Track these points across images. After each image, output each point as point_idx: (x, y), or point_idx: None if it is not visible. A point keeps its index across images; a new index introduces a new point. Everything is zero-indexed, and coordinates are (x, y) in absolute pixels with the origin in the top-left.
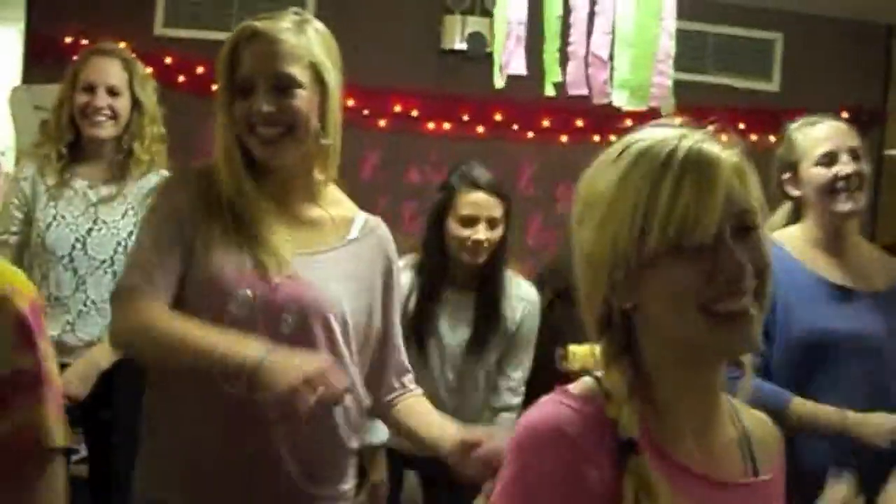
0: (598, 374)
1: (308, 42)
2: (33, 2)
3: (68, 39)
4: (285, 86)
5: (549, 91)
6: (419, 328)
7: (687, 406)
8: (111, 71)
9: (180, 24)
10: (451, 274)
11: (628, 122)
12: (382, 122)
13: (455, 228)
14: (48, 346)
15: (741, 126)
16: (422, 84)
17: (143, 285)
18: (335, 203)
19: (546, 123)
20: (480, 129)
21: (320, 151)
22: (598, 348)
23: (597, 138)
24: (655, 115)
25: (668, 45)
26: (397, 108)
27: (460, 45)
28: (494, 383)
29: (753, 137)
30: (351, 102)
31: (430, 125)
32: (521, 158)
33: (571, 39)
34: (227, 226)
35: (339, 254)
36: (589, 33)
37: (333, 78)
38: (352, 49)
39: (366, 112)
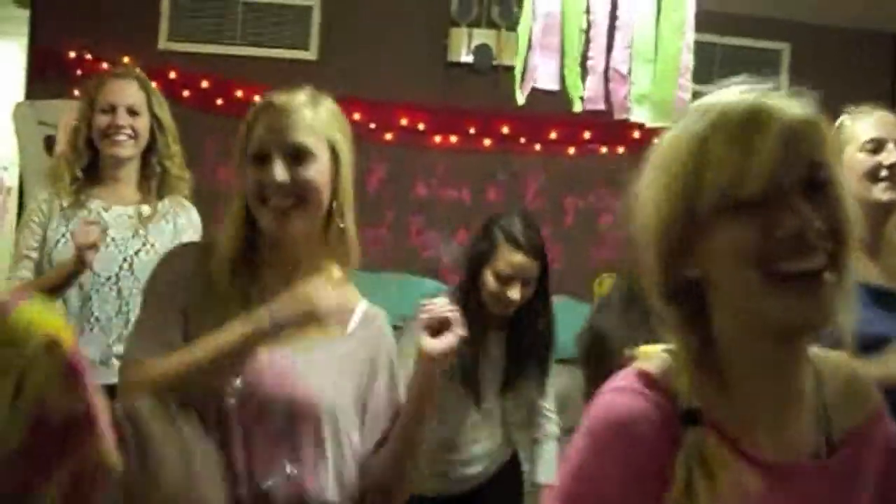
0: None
1: (322, 118)
2: (36, 17)
3: (72, 54)
4: (300, 156)
5: (577, 107)
6: (462, 376)
7: (759, 384)
8: (129, 91)
9: (184, 39)
10: (484, 317)
11: (636, 134)
12: (389, 136)
13: (491, 282)
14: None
15: None
16: (428, 97)
17: (147, 357)
18: (338, 290)
19: (553, 136)
20: (487, 142)
21: (331, 235)
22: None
23: (604, 150)
24: (664, 128)
25: (687, 59)
26: (403, 122)
27: (467, 58)
28: (530, 417)
29: None
30: (357, 116)
31: (437, 138)
32: (527, 171)
33: (591, 54)
34: (219, 306)
35: (338, 347)
36: (609, 48)
37: (347, 156)
38: (359, 63)
39: (372, 125)
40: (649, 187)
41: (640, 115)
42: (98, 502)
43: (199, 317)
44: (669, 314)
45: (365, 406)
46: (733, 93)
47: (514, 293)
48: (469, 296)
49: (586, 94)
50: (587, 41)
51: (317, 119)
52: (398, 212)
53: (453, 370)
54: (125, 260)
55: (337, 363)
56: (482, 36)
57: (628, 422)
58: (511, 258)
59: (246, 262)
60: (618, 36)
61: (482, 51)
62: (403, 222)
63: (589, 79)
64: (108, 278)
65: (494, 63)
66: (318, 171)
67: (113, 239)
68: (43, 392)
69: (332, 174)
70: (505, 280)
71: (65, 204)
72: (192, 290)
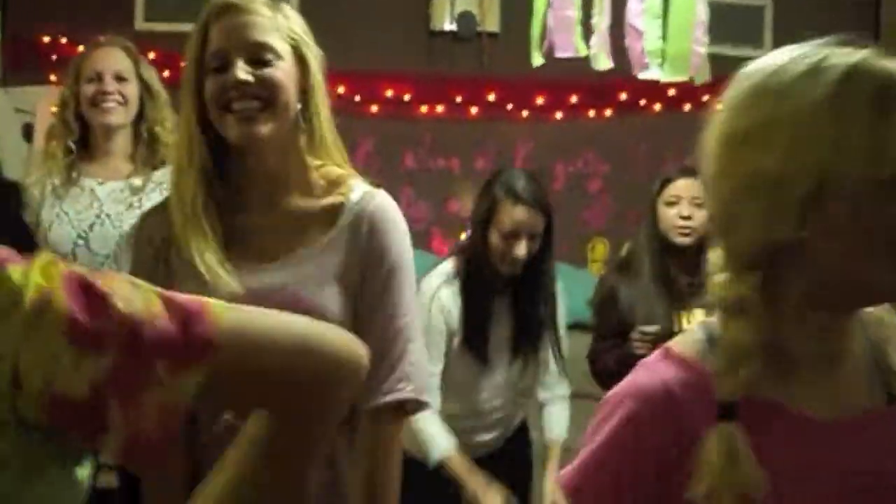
0: (711, 323)
1: (285, 18)
2: (7, 3)
3: (46, 39)
4: (263, 56)
5: (604, 65)
6: (471, 340)
7: (814, 349)
8: (115, 58)
9: (161, 18)
10: (493, 280)
11: (623, 96)
12: (374, 108)
13: (496, 241)
14: (121, 295)
15: None
16: (412, 67)
17: None
18: (329, 187)
19: (540, 101)
20: (474, 110)
21: (304, 137)
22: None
23: (592, 114)
24: (656, 89)
25: (701, 13)
26: (389, 93)
27: (450, 26)
28: (539, 377)
29: None
30: (341, 89)
31: (423, 108)
32: (515, 138)
33: (593, 11)
34: (202, 245)
35: (325, 251)
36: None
37: (314, 55)
38: (340, 35)
39: (357, 98)
40: (783, 142)
41: (654, 71)
42: (171, 442)
43: (185, 270)
44: (740, 286)
45: (367, 303)
46: (857, 52)
47: (520, 249)
48: (476, 259)
49: (591, 53)
50: None
51: (277, 19)
52: (387, 184)
53: (463, 336)
54: (121, 236)
55: (326, 269)
56: (464, 3)
57: (650, 397)
58: (513, 213)
59: (216, 188)
60: None
61: (465, 18)
62: (394, 195)
63: (593, 37)
64: (107, 256)
65: (478, 30)
66: (282, 70)
67: (108, 215)
68: (48, 373)
69: (299, 78)
70: (509, 236)
71: (56, 182)
72: (171, 252)
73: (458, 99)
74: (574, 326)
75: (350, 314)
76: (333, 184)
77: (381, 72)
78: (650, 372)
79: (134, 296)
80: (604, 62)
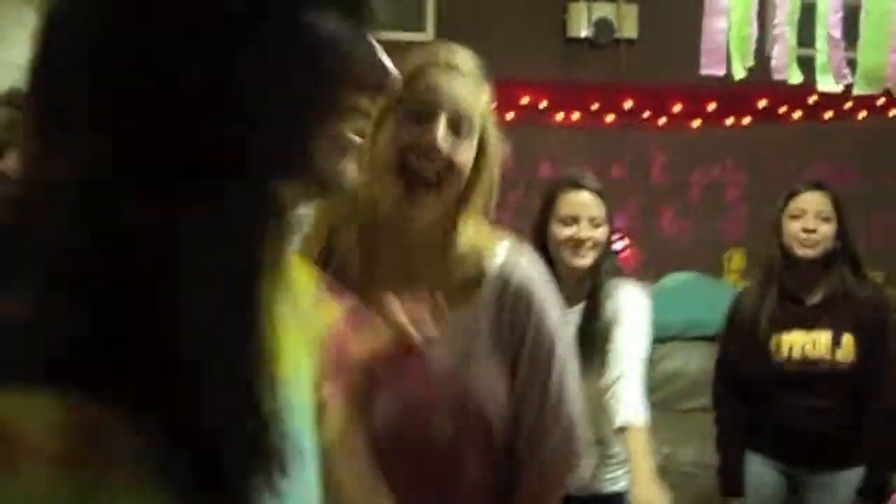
0: None
1: (485, 93)
2: None
3: None
4: (460, 126)
5: (786, 76)
6: None
7: None
8: None
9: None
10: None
11: (762, 104)
12: (510, 115)
13: (557, 233)
14: None
15: None
16: (548, 74)
17: None
18: (471, 254)
19: (677, 109)
20: (610, 117)
21: (463, 208)
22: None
23: (730, 121)
24: (796, 96)
25: None
26: (525, 100)
27: (586, 33)
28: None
29: None
30: None
31: (559, 116)
32: (650, 146)
33: (775, 21)
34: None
35: (469, 327)
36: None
37: (496, 142)
38: (476, 42)
39: (493, 105)
40: None
41: (846, 82)
42: None
43: None
44: None
45: (518, 377)
46: None
47: (585, 232)
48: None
49: (773, 64)
50: (766, 6)
51: (482, 93)
52: (523, 192)
53: None
54: None
55: (477, 350)
56: (602, 9)
57: None
58: (572, 198)
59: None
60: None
61: (602, 25)
62: (529, 202)
63: (775, 48)
64: None
65: (615, 37)
66: (468, 150)
67: None
68: None
69: (477, 157)
70: (572, 222)
71: None
72: None
73: (594, 106)
74: (711, 338)
75: (506, 386)
76: (476, 249)
77: (518, 79)
78: None
79: None
80: (796, 75)
